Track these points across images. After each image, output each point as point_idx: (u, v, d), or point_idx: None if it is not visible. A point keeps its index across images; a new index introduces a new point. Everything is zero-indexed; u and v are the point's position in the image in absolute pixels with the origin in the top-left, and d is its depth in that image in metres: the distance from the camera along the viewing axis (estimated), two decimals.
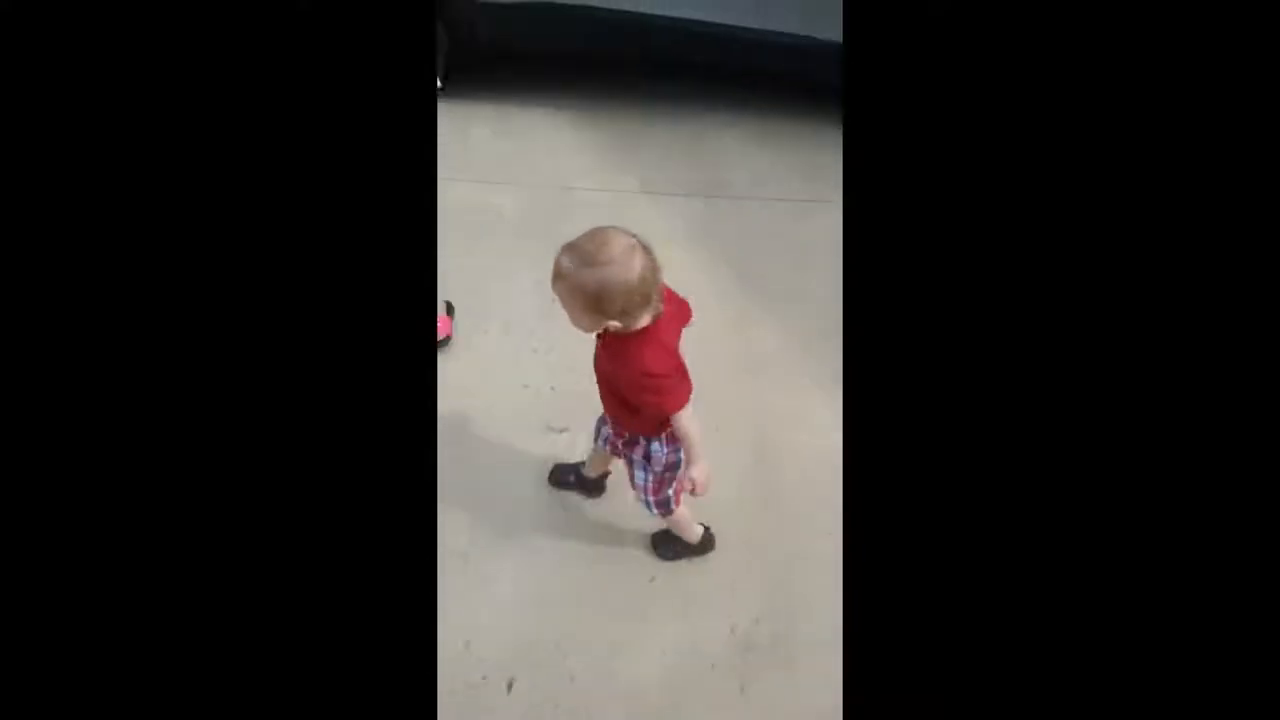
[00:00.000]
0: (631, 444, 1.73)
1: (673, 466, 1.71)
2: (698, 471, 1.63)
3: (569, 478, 2.10)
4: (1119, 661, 0.75)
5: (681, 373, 1.56)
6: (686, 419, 1.57)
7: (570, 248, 1.42)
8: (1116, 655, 0.75)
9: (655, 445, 1.69)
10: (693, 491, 1.66)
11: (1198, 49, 0.74)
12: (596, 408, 1.75)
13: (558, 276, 1.43)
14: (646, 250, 1.43)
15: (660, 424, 1.63)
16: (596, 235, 1.42)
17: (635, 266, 1.39)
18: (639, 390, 1.55)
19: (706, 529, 1.98)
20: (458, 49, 3.43)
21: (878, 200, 0.83)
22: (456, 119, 3.39)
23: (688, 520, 1.92)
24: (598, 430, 1.90)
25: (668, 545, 1.98)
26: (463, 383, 2.26)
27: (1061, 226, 0.77)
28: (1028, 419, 0.78)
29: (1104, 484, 0.76)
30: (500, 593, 1.86)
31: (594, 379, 1.68)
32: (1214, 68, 0.74)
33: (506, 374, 2.36)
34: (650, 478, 1.75)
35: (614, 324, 1.44)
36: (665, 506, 1.82)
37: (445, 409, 2.06)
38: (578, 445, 2.14)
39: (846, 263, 0.87)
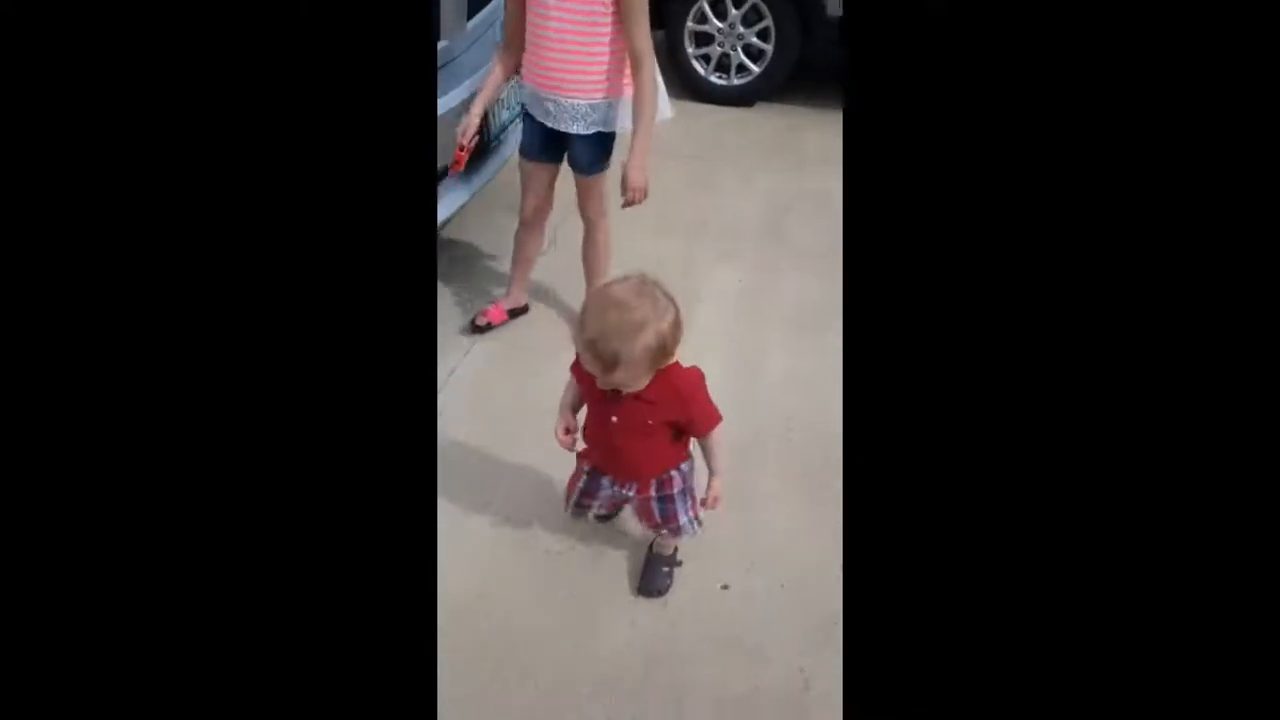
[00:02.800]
0: (665, 483, 1.67)
1: (692, 484, 1.70)
2: (720, 485, 1.63)
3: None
4: (1120, 668, 0.74)
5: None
6: (721, 432, 1.59)
7: (600, 322, 1.36)
8: (1117, 660, 0.74)
9: (685, 466, 1.67)
10: (706, 503, 1.66)
11: (1198, 48, 0.72)
12: None
13: (594, 351, 1.37)
14: (668, 296, 1.43)
15: (685, 447, 1.64)
16: (620, 303, 1.38)
17: (668, 307, 1.41)
18: (688, 405, 1.52)
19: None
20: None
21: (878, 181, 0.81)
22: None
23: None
24: (580, 506, 1.80)
25: (660, 576, 1.82)
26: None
27: (1059, 225, 0.76)
28: (1028, 423, 0.76)
29: (1106, 492, 0.74)
30: None
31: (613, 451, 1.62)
32: (1214, 67, 0.71)
33: None
34: (690, 502, 1.71)
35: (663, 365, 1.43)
36: (700, 522, 1.76)
37: None
38: None
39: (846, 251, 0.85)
